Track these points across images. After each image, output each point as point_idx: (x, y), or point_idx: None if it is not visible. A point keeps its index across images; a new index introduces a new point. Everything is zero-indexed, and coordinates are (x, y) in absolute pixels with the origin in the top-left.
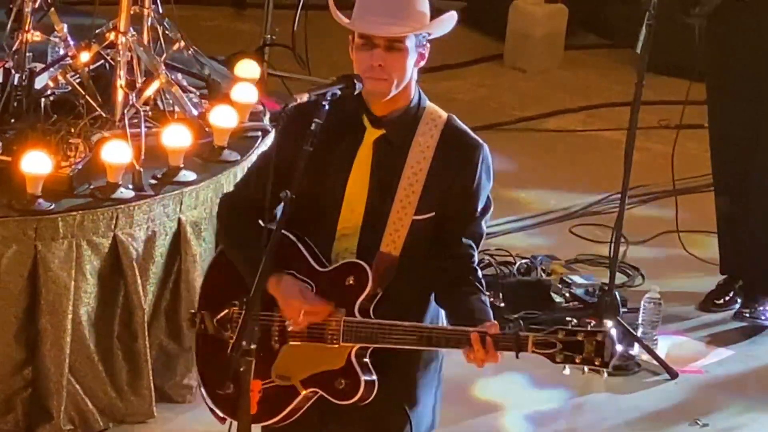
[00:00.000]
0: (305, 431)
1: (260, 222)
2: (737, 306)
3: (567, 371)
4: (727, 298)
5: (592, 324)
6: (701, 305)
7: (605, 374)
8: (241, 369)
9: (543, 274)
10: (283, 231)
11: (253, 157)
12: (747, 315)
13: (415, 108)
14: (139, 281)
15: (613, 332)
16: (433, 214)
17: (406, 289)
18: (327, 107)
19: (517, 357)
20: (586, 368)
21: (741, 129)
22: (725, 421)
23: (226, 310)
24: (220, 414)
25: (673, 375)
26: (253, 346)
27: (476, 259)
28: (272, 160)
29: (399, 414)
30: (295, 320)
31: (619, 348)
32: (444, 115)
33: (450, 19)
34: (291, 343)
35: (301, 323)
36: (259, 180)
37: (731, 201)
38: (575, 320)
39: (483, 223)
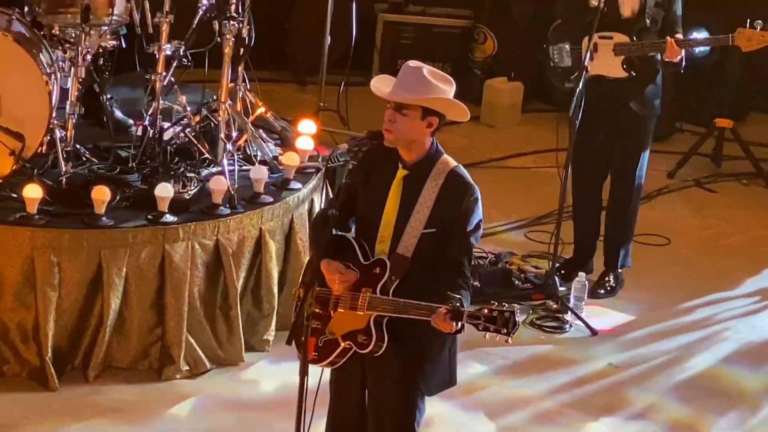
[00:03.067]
0: (356, 372)
1: (332, 230)
2: (615, 286)
3: (487, 337)
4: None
5: (504, 306)
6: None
7: (509, 340)
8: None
9: (506, 265)
10: (344, 235)
11: (310, 185)
12: (601, 293)
13: (430, 157)
14: (233, 270)
15: (517, 312)
16: (435, 230)
17: (414, 280)
18: (368, 153)
19: (459, 326)
20: (498, 335)
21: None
22: (629, 363)
23: (299, 290)
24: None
25: (594, 332)
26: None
27: (465, 263)
28: (345, 190)
29: (411, 365)
30: (333, 285)
31: (519, 321)
32: (452, 164)
33: (449, 112)
34: (339, 310)
35: (339, 287)
36: (330, 204)
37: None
38: (495, 302)
39: (471, 239)
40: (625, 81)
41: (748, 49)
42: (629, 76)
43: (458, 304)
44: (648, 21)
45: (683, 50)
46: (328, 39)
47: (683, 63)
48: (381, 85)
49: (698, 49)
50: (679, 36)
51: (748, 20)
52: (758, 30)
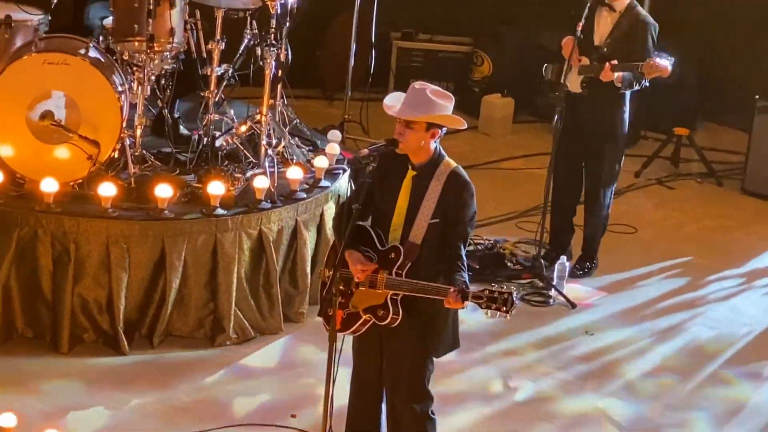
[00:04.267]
0: (374, 339)
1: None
2: (590, 267)
3: (488, 315)
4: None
5: (504, 287)
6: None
7: (508, 316)
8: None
9: (500, 250)
10: (364, 225)
11: (338, 184)
12: (579, 273)
13: (434, 161)
14: (273, 254)
15: (514, 293)
16: (438, 220)
17: (423, 263)
18: (383, 157)
19: (464, 303)
20: (498, 313)
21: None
22: (602, 332)
23: (330, 271)
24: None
25: (573, 306)
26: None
27: (462, 248)
28: (365, 188)
29: (420, 335)
30: (356, 273)
31: (517, 301)
32: (453, 165)
33: (447, 124)
34: (360, 288)
35: (360, 275)
36: (352, 197)
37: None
38: (495, 285)
39: (468, 228)
40: (584, 97)
41: (649, 76)
42: (585, 92)
43: (464, 286)
44: (606, 49)
45: (615, 72)
46: (352, 62)
47: (644, 82)
48: (391, 102)
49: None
50: (617, 62)
51: (659, 53)
52: (658, 62)
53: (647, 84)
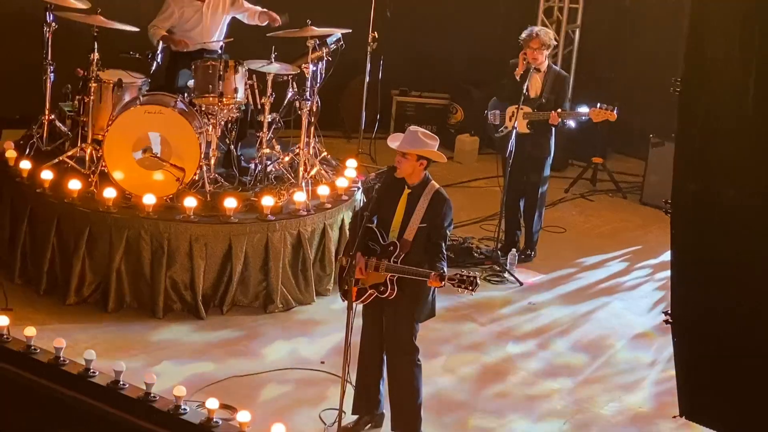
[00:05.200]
0: (377, 308)
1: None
2: (531, 255)
3: (459, 291)
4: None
5: (471, 272)
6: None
7: (473, 293)
8: (350, 280)
9: (469, 244)
10: (371, 226)
11: (354, 198)
12: (523, 258)
13: (423, 183)
14: (308, 248)
15: (478, 277)
16: (425, 224)
17: (413, 254)
18: (386, 178)
19: (441, 283)
20: (465, 291)
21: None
22: (541, 302)
23: (347, 259)
24: (342, 297)
25: (521, 284)
26: (353, 275)
27: (442, 245)
28: (373, 201)
29: (410, 305)
30: (359, 270)
31: (479, 283)
32: (436, 186)
33: (432, 157)
34: (368, 271)
35: (361, 271)
36: (364, 207)
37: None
38: (465, 270)
39: (446, 230)
40: (529, 135)
41: (597, 120)
42: (530, 131)
43: (443, 271)
44: (544, 100)
45: (561, 118)
46: (364, 111)
47: (572, 124)
48: (392, 140)
49: (582, 118)
50: (561, 110)
51: (599, 103)
52: (602, 109)
53: (572, 124)
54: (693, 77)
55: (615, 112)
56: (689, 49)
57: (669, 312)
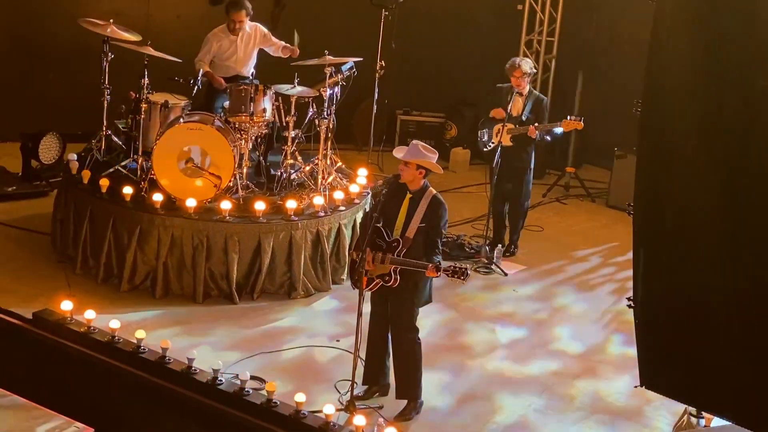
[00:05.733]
0: (383, 294)
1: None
2: (514, 250)
3: (450, 280)
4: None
5: (463, 264)
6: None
7: (465, 282)
8: (360, 271)
9: (462, 240)
10: (378, 226)
11: (364, 201)
12: (507, 254)
13: (423, 189)
14: (326, 244)
15: (469, 269)
16: (424, 224)
17: (413, 249)
18: (393, 186)
19: (437, 274)
20: (458, 280)
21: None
22: (523, 290)
23: (357, 253)
24: (353, 286)
25: (505, 274)
26: (363, 266)
27: (438, 242)
28: (379, 204)
29: (411, 292)
30: (368, 262)
31: (470, 273)
32: (434, 192)
33: (430, 167)
34: (375, 263)
35: (369, 264)
36: (372, 209)
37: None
38: (457, 263)
39: (441, 229)
40: (511, 147)
41: (567, 129)
42: (513, 144)
43: (438, 263)
44: (524, 118)
45: (538, 132)
46: (372, 127)
47: (548, 138)
48: (398, 152)
49: (558, 134)
50: (537, 124)
51: (568, 116)
52: (572, 120)
53: (548, 138)
54: (651, 100)
55: (581, 121)
56: (648, 77)
57: (631, 297)
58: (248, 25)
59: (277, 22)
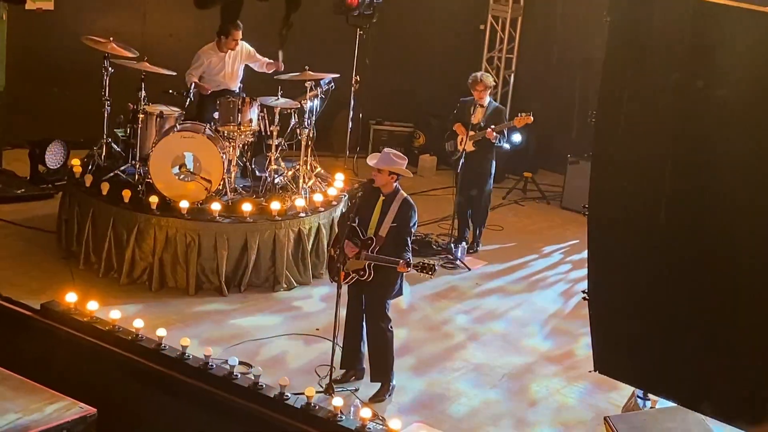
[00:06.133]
0: (358, 287)
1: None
2: (477, 247)
3: (421, 275)
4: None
5: (430, 260)
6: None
7: (432, 277)
8: (338, 266)
9: (430, 239)
10: (354, 225)
11: (341, 203)
12: (471, 251)
13: (395, 192)
14: (307, 241)
15: (436, 264)
16: (396, 224)
17: (386, 247)
18: (367, 190)
19: (407, 269)
20: (425, 275)
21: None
22: (486, 285)
23: (335, 250)
24: (331, 279)
25: (468, 269)
26: (340, 262)
27: (408, 240)
28: (355, 205)
29: (383, 285)
30: (349, 254)
31: (436, 269)
32: (404, 195)
33: (401, 173)
34: (351, 259)
35: (348, 254)
36: (348, 210)
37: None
38: (425, 260)
39: (411, 229)
40: (475, 153)
41: (520, 124)
42: (477, 150)
43: (408, 259)
44: (483, 124)
45: (496, 133)
46: (348, 136)
47: (507, 147)
48: (371, 159)
49: (516, 143)
50: (493, 126)
51: (519, 112)
52: (522, 116)
53: (507, 147)
54: (604, 111)
55: (530, 115)
56: (602, 90)
57: (586, 290)
58: None
59: (284, 41)
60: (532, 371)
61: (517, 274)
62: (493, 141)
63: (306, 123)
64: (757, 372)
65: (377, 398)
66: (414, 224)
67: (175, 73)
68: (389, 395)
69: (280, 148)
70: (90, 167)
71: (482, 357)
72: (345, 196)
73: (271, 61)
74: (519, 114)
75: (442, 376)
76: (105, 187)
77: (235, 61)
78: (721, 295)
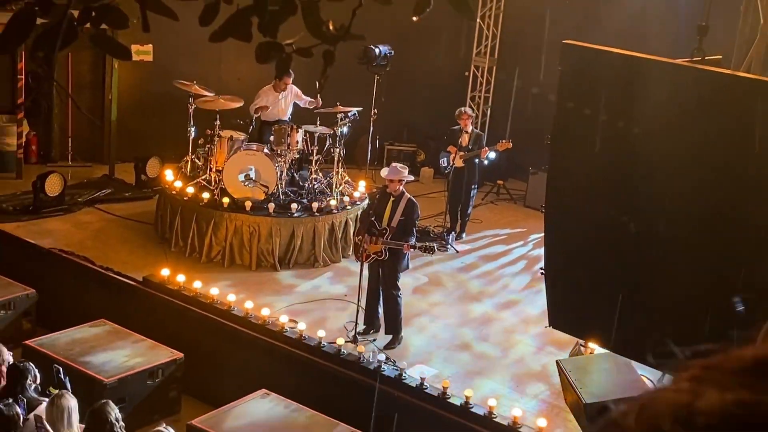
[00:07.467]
0: (377, 266)
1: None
2: (462, 234)
3: (423, 254)
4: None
5: (431, 243)
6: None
7: (432, 256)
8: (361, 249)
9: (428, 229)
10: (372, 219)
11: (363, 203)
12: (458, 238)
13: (402, 194)
14: (338, 231)
15: (435, 247)
16: (403, 218)
17: (396, 234)
18: (381, 192)
19: (413, 250)
20: (429, 255)
21: (456, 194)
22: (470, 262)
23: (360, 237)
24: (356, 259)
25: (457, 251)
26: (363, 246)
27: (413, 230)
28: (373, 205)
29: (395, 262)
30: (366, 245)
31: (435, 250)
32: (409, 195)
33: (405, 178)
34: (371, 244)
35: (369, 240)
36: (368, 208)
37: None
38: (428, 243)
39: (415, 221)
40: (463, 168)
41: (502, 149)
42: (465, 165)
43: (414, 243)
44: (471, 146)
45: (489, 151)
46: (369, 154)
47: (486, 162)
48: (383, 173)
49: (492, 158)
50: (488, 147)
51: (501, 140)
52: (503, 143)
53: (486, 162)
54: (556, 136)
55: (510, 142)
56: (555, 121)
57: (543, 267)
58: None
59: (321, 89)
60: (503, 324)
61: (490, 250)
62: (483, 157)
63: (337, 144)
64: (665, 327)
65: (390, 346)
66: (417, 217)
67: (242, 104)
68: (399, 344)
69: (318, 163)
70: (179, 176)
71: (456, 311)
72: (366, 197)
73: (312, 99)
74: (501, 141)
75: (439, 332)
76: (189, 191)
77: (286, 99)
78: (646, 265)
